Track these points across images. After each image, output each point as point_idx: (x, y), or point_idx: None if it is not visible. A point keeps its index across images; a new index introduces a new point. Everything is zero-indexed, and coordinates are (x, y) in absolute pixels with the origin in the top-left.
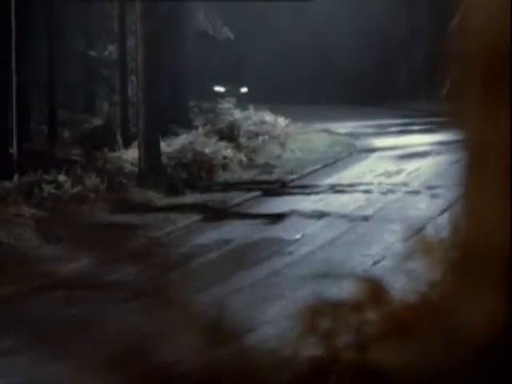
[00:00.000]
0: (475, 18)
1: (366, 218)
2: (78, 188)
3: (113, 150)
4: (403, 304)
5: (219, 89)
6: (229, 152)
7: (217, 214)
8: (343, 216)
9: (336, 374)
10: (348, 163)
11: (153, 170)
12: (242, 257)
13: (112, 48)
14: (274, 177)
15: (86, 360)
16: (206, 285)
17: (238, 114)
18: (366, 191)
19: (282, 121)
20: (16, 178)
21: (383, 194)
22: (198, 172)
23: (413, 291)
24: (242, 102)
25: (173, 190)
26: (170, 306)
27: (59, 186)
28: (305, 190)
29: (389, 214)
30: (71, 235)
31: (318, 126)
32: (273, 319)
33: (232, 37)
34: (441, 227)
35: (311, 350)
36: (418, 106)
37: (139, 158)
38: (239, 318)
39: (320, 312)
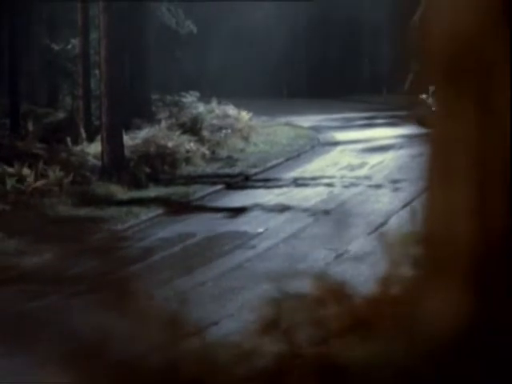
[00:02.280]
0: (438, 12)
1: (328, 212)
2: (41, 181)
3: (76, 143)
4: (365, 298)
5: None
6: (192, 145)
7: (180, 208)
8: (306, 210)
9: (297, 368)
10: (311, 157)
11: (116, 163)
12: (205, 250)
13: (75, 41)
14: (236, 170)
15: (45, 355)
16: (169, 278)
17: (201, 107)
18: (329, 185)
19: (245, 114)
20: None
21: (346, 187)
22: (161, 165)
23: (375, 285)
24: (206, 95)
25: (136, 183)
26: (131, 299)
27: (22, 179)
28: (268, 183)
29: (352, 207)
30: (34, 229)
31: (281, 119)
32: (235, 313)
33: (195, 31)
34: (403, 221)
35: (273, 344)
36: (381, 100)
37: (102, 152)
38: (202, 312)
39: (282, 306)
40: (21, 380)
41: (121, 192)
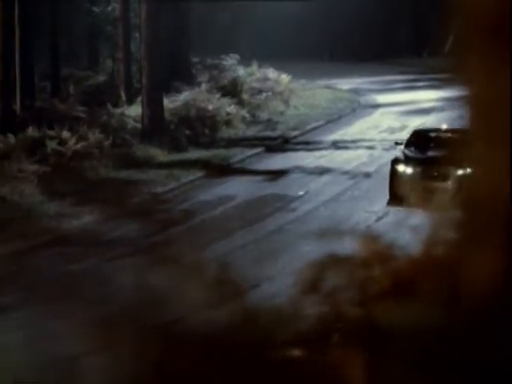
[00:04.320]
0: None
1: (369, 175)
2: (82, 144)
3: (116, 106)
4: (406, 261)
5: None
6: (232, 108)
7: (220, 171)
8: (346, 172)
9: (339, 330)
10: (351, 119)
11: (156, 126)
12: (245, 213)
13: (115, 4)
14: (277, 133)
15: (87, 316)
16: (209, 241)
17: (241, 70)
18: (370, 147)
19: (285, 77)
20: (19, 133)
21: (386, 150)
22: (201, 128)
23: (416, 248)
24: (245, 58)
25: (176, 146)
26: (172, 262)
27: (63, 142)
28: (308, 146)
29: None
30: (74, 191)
31: (322, 82)
32: (276, 275)
33: None
34: None
35: (314, 307)
36: (422, 62)
37: (142, 114)
38: (242, 275)
39: (323, 269)
40: (60, 340)
41: (161, 155)
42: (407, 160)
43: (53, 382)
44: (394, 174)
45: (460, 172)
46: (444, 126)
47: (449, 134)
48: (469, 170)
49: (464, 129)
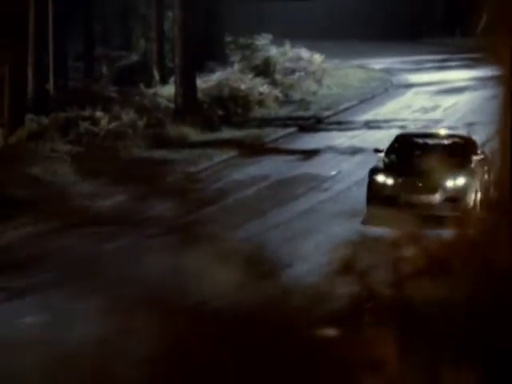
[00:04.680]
0: None
1: None
2: (115, 124)
3: (149, 86)
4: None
5: None
6: (265, 88)
7: (253, 150)
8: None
9: (371, 310)
10: (384, 99)
11: (189, 105)
12: (278, 193)
13: None
14: (309, 113)
15: (120, 295)
16: (243, 221)
17: (273, 50)
18: (402, 127)
19: (318, 57)
20: (52, 114)
21: (419, 129)
22: (234, 108)
23: (449, 227)
24: (278, 38)
25: (209, 125)
26: (205, 241)
27: (96, 122)
28: (340, 126)
29: None
30: (108, 171)
31: (354, 62)
32: (308, 255)
33: None
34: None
35: (347, 286)
36: (455, 42)
37: (175, 94)
38: (275, 254)
39: (356, 248)
40: (95, 319)
41: (194, 134)
42: (388, 169)
43: (84, 361)
44: (371, 186)
45: (450, 183)
46: (435, 130)
47: (438, 140)
48: (461, 181)
49: (457, 134)
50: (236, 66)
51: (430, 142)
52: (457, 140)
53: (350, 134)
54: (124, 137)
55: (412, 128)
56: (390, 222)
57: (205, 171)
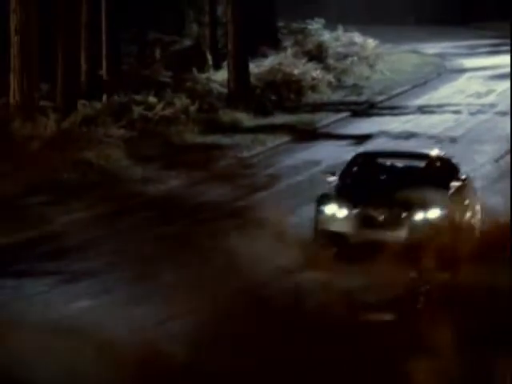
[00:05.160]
0: None
1: (455, 139)
2: (168, 109)
3: (202, 71)
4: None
5: None
6: (317, 73)
7: (306, 135)
8: (432, 137)
9: (426, 294)
10: (437, 84)
11: (242, 90)
12: None
13: None
14: (362, 98)
15: (175, 279)
16: (295, 206)
17: (326, 35)
18: (456, 112)
19: (370, 42)
20: (105, 98)
21: (473, 114)
22: (286, 93)
23: (502, 213)
24: (331, 22)
25: (262, 110)
26: (258, 226)
27: (149, 107)
28: (393, 110)
29: (478, 134)
30: (161, 156)
31: (407, 47)
32: None
33: None
34: None
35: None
36: (507, 27)
37: (228, 79)
38: None
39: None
40: (149, 302)
41: (247, 119)
42: (341, 198)
43: (138, 344)
44: (318, 218)
45: (419, 217)
46: (405, 149)
47: (409, 161)
48: (435, 214)
49: (432, 154)
50: (289, 51)
51: (398, 163)
52: (432, 162)
53: (403, 118)
54: (177, 122)
55: (467, 112)
56: (342, 263)
57: (257, 156)
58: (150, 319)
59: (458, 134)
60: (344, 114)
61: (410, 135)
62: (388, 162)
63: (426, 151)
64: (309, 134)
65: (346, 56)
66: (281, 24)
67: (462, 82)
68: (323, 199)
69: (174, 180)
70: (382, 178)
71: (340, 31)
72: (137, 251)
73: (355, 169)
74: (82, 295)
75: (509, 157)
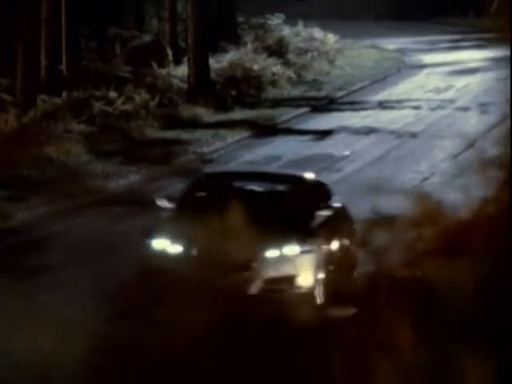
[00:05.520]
0: None
1: (414, 135)
2: (128, 104)
3: (162, 66)
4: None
5: None
6: (278, 68)
7: (266, 130)
8: (392, 132)
9: (386, 290)
10: (397, 79)
11: (202, 86)
12: None
13: None
14: (322, 93)
15: (131, 275)
16: None
17: (286, 30)
18: (415, 107)
19: (331, 37)
20: (65, 94)
21: (432, 110)
22: (246, 88)
23: (464, 208)
24: (291, 18)
25: (222, 106)
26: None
27: (109, 102)
28: (354, 106)
29: (438, 130)
30: (121, 151)
31: (367, 42)
32: None
33: None
34: (489, 144)
35: (362, 265)
36: (468, 22)
37: (188, 74)
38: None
39: (372, 227)
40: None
41: (207, 115)
42: (176, 229)
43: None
44: (145, 256)
45: (273, 255)
46: (262, 169)
47: (262, 184)
48: (292, 251)
49: (295, 175)
50: (249, 46)
51: (247, 187)
52: (295, 186)
53: (363, 114)
54: (137, 117)
55: (427, 107)
56: (175, 313)
57: (218, 151)
58: (102, 317)
59: (417, 129)
60: (304, 110)
61: (370, 130)
62: (240, 185)
63: (289, 172)
64: (269, 130)
65: (306, 51)
66: (241, 19)
67: (421, 77)
68: (152, 231)
69: (135, 175)
70: (230, 205)
71: (300, 26)
72: (96, 247)
73: (197, 193)
74: (36, 291)
75: (468, 153)
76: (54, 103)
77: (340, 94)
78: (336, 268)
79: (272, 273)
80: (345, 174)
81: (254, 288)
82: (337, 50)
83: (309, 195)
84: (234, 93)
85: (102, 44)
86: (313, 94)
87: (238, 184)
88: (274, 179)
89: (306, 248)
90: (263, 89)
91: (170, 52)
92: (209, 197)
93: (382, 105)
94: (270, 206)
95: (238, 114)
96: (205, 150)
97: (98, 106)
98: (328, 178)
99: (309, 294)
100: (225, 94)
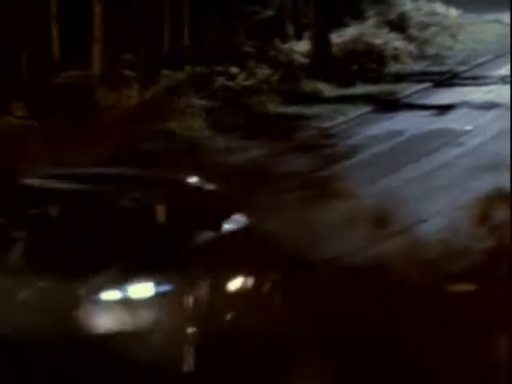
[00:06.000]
0: None
1: None
2: (250, 79)
3: (284, 41)
4: None
5: None
6: (399, 43)
7: (387, 105)
8: None
9: (507, 263)
10: None
11: (323, 61)
12: (413, 148)
13: None
14: (444, 68)
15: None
16: (377, 176)
17: (408, 4)
18: None
19: (453, 12)
20: (187, 69)
21: None
22: (368, 63)
23: None
24: None
25: (343, 81)
26: (339, 196)
27: (231, 77)
28: (476, 81)
29: None
30: (242, 126)
31: (490, 16)
32: (444, 210)
33: None
34: None
35: (482, 241)
36: None
37: (310, 50)
38: (410, 209)
39: (492, 203)
40: None
41: (328, 89)
42: None
43: None
44: None
45: (108, 296)
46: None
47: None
48: (142, 292)
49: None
50: (371, 21)
51: (76, 200)
52: (168, 195)
53: (485, 89)
54: (259, 92)
55: None
56: None
57: (339, 126)
58: None
59: None
60: (426, 85)
61: (492, 105)
62: (72, 187)
63: (159, 175)
64: (390, 105)
65: (428, 26)
66: None
67: None
68: None
69: (256, 149)
70: (56, 219)
71: (422, 1)
72: None
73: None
74: None
75: None
76: (176, 78)
77: (462, 68)
78: (229, 319)
79: (108, 325)
80: (467, 149)
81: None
82: (459, 25)
83: (185, 209)
84: (355, 68)
85: (225, 19)
86: (435, 68)
87: (61, 195)
88: (132, 184)
89: (168, 287)
90: (385, 64)
91: (291, 27)
92: (21, 206)
93: (505, 79)
94: (122, 223)
95: (360, 89)
96: (326, 124)
97: (220, 80)
98: (450, 153)
99: (166, 358)
100: (346, 69)
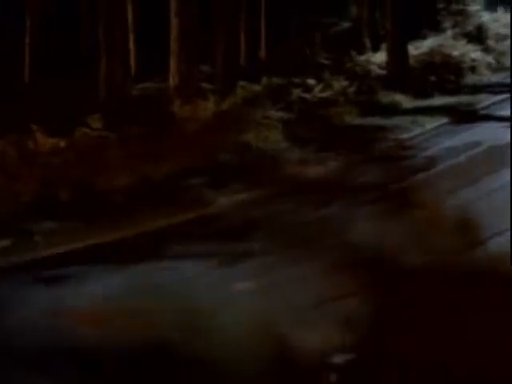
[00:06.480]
0: None
1: None
2: (326, 91)
3: (361, 53)
4: None
5: None
6: (477, 55)
7: (465, 117)
8: None
9: None
10: None
11: (401, 72)
12: (492, 159)
13: None
14: None
15: (332, 261)
16: (454, 188)
17: (486, 16)
18: None
19: None
20: (264, 80)
21: None
22: (446, 75)
23: None
24: (491, 4)
25: (420, 92)
26: (417, 207)
27: (308, 89)
28: None
29: None
30: (319, 138)
31: None
32: None
33: None
34: None
35: None
36: None
37: (387, 61)
38: (486, 222)
39: None
40: (307, 286)
41: (405, 101)
42: None
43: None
44: None
45: None
46: None
47: None
48: None
49: None
50: (448, 33)
51: None
52: None
53: None
54: (335, 104)
55: None
56: None
57: (416, 138)
58: (310, 302)
59: None
60: (504, 96)
61: None
62: None
63: None
64: (468, 116)
65: (505, 37)
66: (440, 6)
67: None
68: None
69: (333, 161)
70: None
71: (500, 12)
72: (296, 233)
73: None
74: (238, 277)
75: None
76: (252, 90)
77: None
78: None
79: None
80: None
81: None
82: None
83: None
84: (432, 79)
85: (301, 30)
86: None
87: None
88: None
89: None
90: (462, 75)
91: (368, 39)
92: None
93: None
94: None
95: (437, 100)
96: (404, 136)
97: (296, 92)
98: None
99: None
100: (423, 81)
